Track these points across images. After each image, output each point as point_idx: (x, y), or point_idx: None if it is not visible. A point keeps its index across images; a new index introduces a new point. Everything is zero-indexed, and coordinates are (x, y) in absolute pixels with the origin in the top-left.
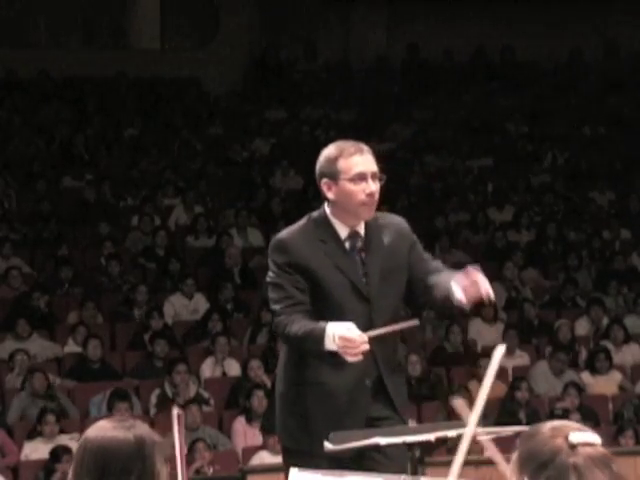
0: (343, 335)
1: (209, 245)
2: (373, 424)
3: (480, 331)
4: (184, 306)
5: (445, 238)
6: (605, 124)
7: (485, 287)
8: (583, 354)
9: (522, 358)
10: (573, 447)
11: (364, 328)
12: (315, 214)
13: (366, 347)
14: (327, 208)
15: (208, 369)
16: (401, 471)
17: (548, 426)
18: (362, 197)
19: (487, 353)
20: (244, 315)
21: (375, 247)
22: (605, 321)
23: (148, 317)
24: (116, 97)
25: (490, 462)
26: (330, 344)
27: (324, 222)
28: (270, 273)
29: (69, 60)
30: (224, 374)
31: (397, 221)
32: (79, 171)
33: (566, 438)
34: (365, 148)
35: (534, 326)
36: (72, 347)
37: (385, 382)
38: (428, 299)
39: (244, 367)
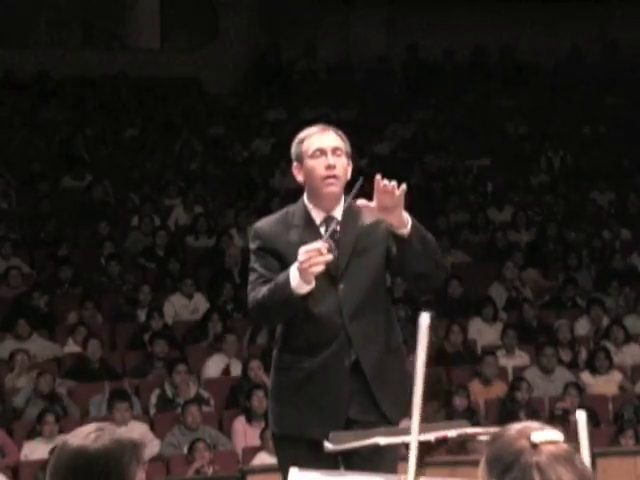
0: (302, 252)
1: (209, 245)
2: (351, 427)
3: (480, 331)
4: (184, 306)
5: (445, 238)
6: (605, 124)
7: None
8: (583, 354)
9: (522, 358)
10: (535, 446)
11: (332, 306)
12: (294, 204)
13: (324, 246)
14: (304, 195)
15: (214, 366)
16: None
17: (512, 429)
18: (322, 171)
19: (487, 353)
20: (244, 315)
21: (350, 227)
22: (605, 321)
23: (148, 317)
24: (116, 97)
25: None
26: (296, 283)
27: (301, 209)
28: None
29: (69, 60)
30: (225, 374)
31: None
32: (79, 171)
33: (529, 438)
34: (331, 130)
35: (534, 326)
36: (72, 347)
37: (362, 365)
38: (396, 259)
39: (244, 367)
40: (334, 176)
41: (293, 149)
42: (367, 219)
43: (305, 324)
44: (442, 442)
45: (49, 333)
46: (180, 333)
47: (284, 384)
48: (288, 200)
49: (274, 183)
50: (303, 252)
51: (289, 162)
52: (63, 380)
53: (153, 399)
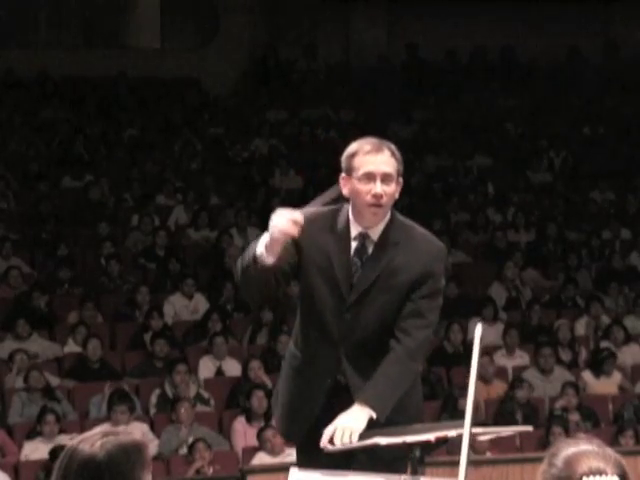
0: (277, 212)
1: (209, 237)
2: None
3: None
4: (184, 306)
5: (445, 238)
6: (605, 124)
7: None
8: (583, 354)
9: (522, 358)
10: None
11: (335, 325)
12: (345, 206)
13: (300, 218)
14: (350, 204)
15: (206, 367)
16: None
17: (562, 456)
18: (367, 198)
19: (487, 353)
20: (244, 315)
21: (380, 259)
22: (605, 321)
23: (148, 317)
24: (116, 97)
25: (490, 462)
26: (260, 250)
27: (343, 215)
28: None
29: (69, 60)
30: (224, 374)
31: (428, 247)
32: (79, 171)
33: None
34: (385, 148)
35: (534, 326)
36: (72, 347)
37: (351, 389)
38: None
39: (244, 367)
40: (379, 205)
41: (343, 159)
42: (403, 256)
43: (306, 336)
44: (442, 442)
45: (49, 333)
46: (180, 333)
47: (283, 388)
48: (288, 200)
49: (274, 183)
50: (278, 211)
51: (289, 162)
52: (63, 380)
53: (153, 399)
